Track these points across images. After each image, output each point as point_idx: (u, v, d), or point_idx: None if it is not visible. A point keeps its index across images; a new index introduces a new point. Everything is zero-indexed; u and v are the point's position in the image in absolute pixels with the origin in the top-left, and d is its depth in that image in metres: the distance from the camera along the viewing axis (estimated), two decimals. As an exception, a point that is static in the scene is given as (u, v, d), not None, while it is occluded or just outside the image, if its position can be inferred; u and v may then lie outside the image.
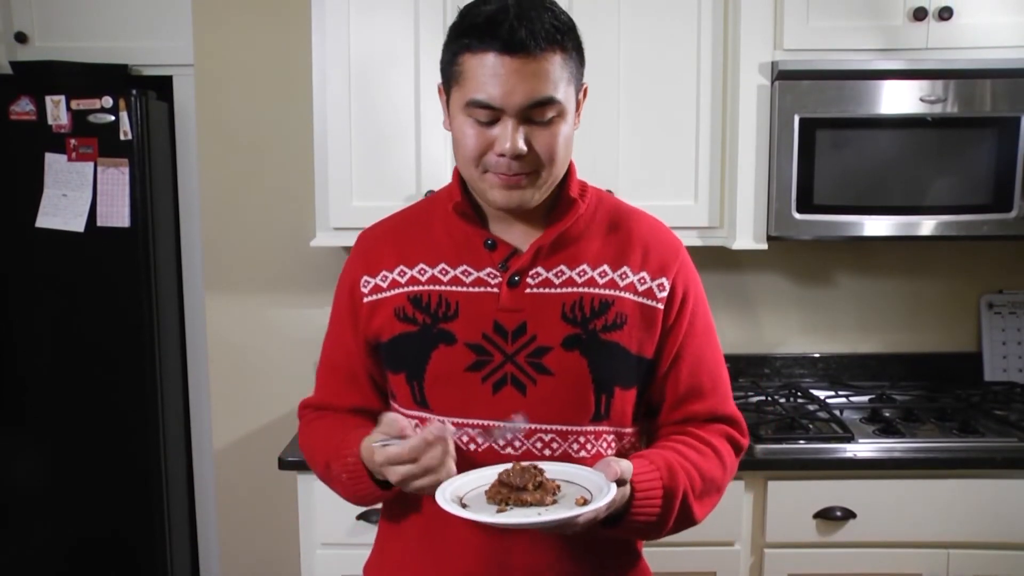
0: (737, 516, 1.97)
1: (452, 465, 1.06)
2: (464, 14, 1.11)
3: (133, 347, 2.48)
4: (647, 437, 1.28)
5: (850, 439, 1.99)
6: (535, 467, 1.06)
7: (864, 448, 1.98)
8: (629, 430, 1.22)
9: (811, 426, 2.09)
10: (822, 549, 1.98)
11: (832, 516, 1.95)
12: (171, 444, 2.60)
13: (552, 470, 1.09)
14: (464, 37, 1.08)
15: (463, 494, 1.07)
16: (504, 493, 1.05)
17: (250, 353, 2.52)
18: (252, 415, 2.53)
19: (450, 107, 1.15)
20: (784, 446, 1.98)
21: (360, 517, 1.96)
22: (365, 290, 1.22)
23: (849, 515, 1.95)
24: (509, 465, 1.08)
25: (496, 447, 1.14)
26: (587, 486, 1.07)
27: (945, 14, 2.06)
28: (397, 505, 1.23)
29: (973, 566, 1.96)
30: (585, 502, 1.03)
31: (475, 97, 1.08)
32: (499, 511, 1.03)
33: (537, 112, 1.08)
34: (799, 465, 1.96)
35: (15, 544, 2.54)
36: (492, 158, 1.10)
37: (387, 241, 1.25)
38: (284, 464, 1.97)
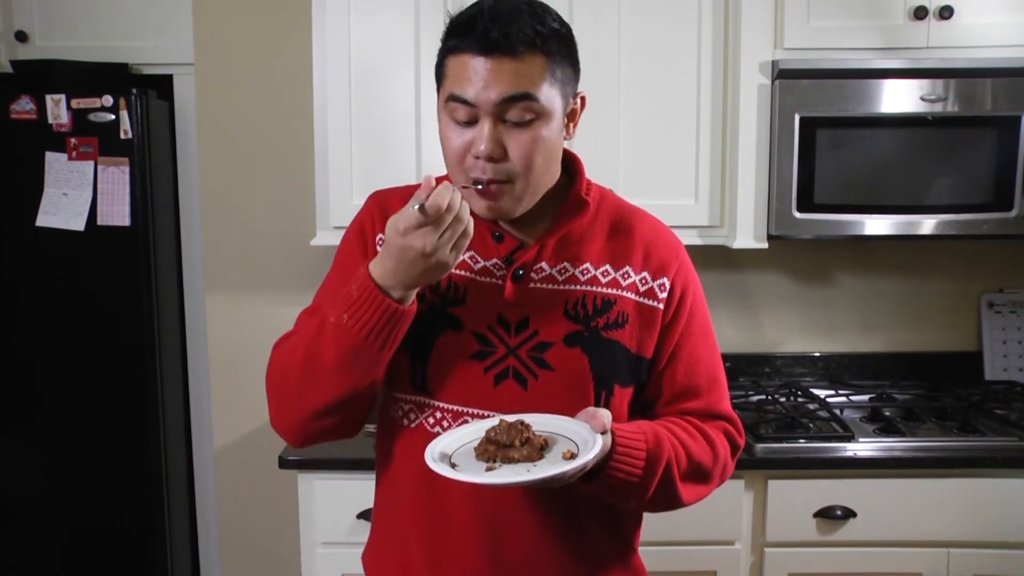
0: (737, 515, 1.97)
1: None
2: (452, 18, 1.13)
3: (133, 347, 2.48)
4: None
5: (850, 438, 1.99)
6: (522, 423, 1.07)
7: (864, 447, 1.98)
8: None
9: (811, 425, 2.09)
10: (822, 548, 1.98)
11: (832, 515, 1.95)
12: (171, 444, 2.60)
13: (539, 423, 1.09)
14: (448, 39, 1.11)
15: (451, 452, 1.07)
16: (492, 451, 1.05)
17: (250, 353, 2.51)
18: (252, 415, 2.53)
19: (437, 108, 1.16)
20: (784, 445, 1.98)
21: (360, 516, 1.96)
22: (380, 248, 1.18)
23: (849, 514, 1.95)
24: (496, 421, 1.08)
25: None
26: (573, 438, 1.08)
27: (946, 13, 2.06)
28: (392, 495, 1.23)
29: (973, 565, 1.96)
30: (572, 455, 1.04)
31: (452, 91, 1.09)
32: (488, 469, 1.04)
33: (514, 111, 1.08)
34: (799, 464, 1.96)
35: (16, 542, 2.54)
36: (470, 161, 1.11)
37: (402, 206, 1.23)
38: (284, 464, 1.97)
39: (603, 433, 1.05)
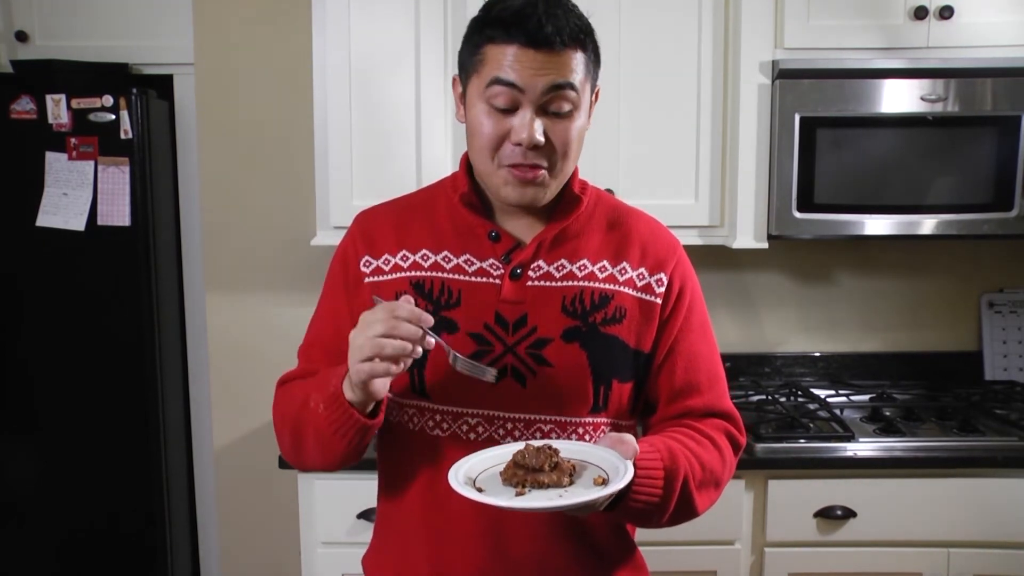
0: (738, 515, 1.97)
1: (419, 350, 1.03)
2: (489, 7, 1.13)
3: (133, 347, 2.48)
4: (644, 433, 1.28)
5: (850, 438, 1.99)
6: (550, 447, 1.06)
7: (864, 447, 1.98)
8: (626, 423, 1.23)
9: (811, 425, 2.09)
10: (822, 548, 1.98)
11: (832, 515, 1.95)
12: (171, 444, 2.60)
13: (564, 448, 1.09)
14: (489, 29, 1.11)
15: (475, 476, 1.06)
16: (520, 475, 1.04)
17: (250, 353, 2.52)
18: (252, 415, 2.53)
19: (467, 96, 1.16)
20: (784, 445, 1.98)
21: (360, 516, 1.96)
22: (367, 270, 1.21)
23: (849, 514, 1.95)
24: (522, 445, 1.07)
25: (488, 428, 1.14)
26: (601, 465, 1.07)
27: (946, 13, 2.06)
28: (396, 497, 1.23)
29: (973, 565, 1.96)
30: (603, 481, 1.03)
31: (497, 75, 1.09)
32: (518, 494, 1.02)
33: (555, 102, 1.10)
34: (799, 464, 1.96)
35: (16, 542, 2.54)
36: (508, 148, 1.11)
37: (389, 223, 1.24)
38: (284, 463, 1.97)
39: (631, 458, 1.04)
